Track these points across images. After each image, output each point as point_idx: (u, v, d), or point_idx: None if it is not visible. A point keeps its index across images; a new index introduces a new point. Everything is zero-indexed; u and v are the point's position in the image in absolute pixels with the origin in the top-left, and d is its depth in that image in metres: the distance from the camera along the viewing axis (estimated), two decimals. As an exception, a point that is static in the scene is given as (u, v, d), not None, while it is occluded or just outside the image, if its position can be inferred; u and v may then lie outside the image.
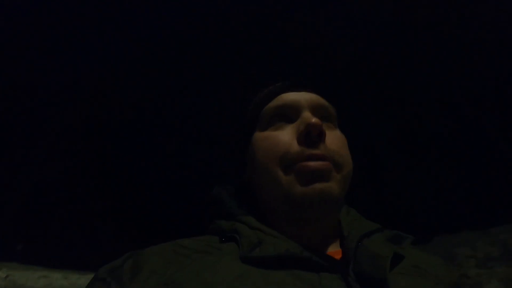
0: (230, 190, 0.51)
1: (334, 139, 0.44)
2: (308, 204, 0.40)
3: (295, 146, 0.41)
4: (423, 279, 0.39)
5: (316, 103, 0.47)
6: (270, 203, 0.45)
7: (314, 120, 0.41)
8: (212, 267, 0.34)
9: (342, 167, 0.42)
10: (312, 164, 0.39)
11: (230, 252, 0.38)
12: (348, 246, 0.40)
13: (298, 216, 0.42)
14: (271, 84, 0.53)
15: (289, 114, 0.46)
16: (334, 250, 0.42)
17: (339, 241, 0.45)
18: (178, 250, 0.38)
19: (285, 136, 0.43)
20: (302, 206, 0.40)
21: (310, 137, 0.41)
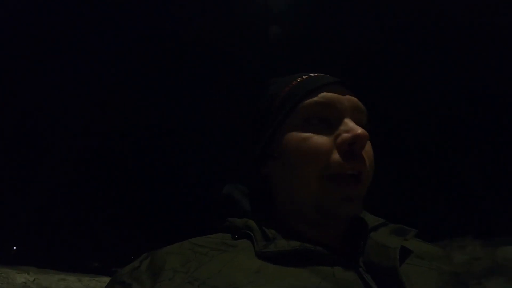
0: (241, 188, 0.51)
1: (367, 147, 0.43)
2: (336, 217, 0.40)
3: (336, 157, 0.40)
4: (428, 270, 0.40)
5: (358, 108, 0.45)
6: (292, 205, 0.44)
7: (361, 131, 0.39)
8: (231, 264, 0.35)
9: (368, 179, 0.43)
10: (349, 188, 0.39)
11: (245, 248, 0.38)
12: (357, 240, 0.42)
13: (321, 223, 0.42)
14: (307, 74, 0.48)
15: (330, 116, 0.43)
16: (343, 244, 0.43)
17: (345, 236, 0.45)
18: (195, 249, 0.38)
19: (326, 143, 0.41)
20: (330, 217, 0.40)
21: (353, 150, 0.40)
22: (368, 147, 0.43)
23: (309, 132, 0.42)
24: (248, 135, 0.54)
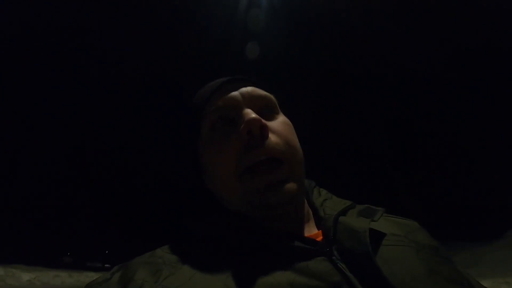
0: (199, 194, 0.49)
1: (279, 128, 0.43)
2: (271, 208, 0.39)
3: (242, 151, 0.40)
4: (405, 247, 0.39)
5: (255, 96, 0.45)
6: (231, 207, 0.43)
7: (252, 117, 0.40)
8: (202, 269, 0.34)
9: (292, 157, 0.42)
10: (265, 175, 0.39)
11: (214, 252, 0.38)
12: (326, 226, 0.40)
13: (265, 216, 0.41)
14: (203, 85, 0.50)
15: (231, 115, 0.44)
16: (313, 233, 0.42)
17: (314, 223, 0.45)
18: (165, 257, 0.38)
19: (230, 144, 0.41)
20: (265, 210, 0.40)
21: (255, 138, 0.40)
22: (278, 124, 0.43)
23: (216, 138, 0.43)
24: (181, 160, 0.55)
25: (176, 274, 0.34)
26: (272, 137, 0.41)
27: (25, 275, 6.56)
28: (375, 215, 0.43)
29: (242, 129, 0.40)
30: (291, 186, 0.40)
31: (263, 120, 0.40)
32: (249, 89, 0.46)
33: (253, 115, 0.40)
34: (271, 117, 0.45)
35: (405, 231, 0.42)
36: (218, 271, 0.34)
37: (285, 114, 0.48)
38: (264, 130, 0.40)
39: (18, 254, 11.22)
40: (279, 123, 0.44)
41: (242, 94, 0.45)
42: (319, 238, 0.40)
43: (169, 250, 0.39)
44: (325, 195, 0.50)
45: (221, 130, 0.43)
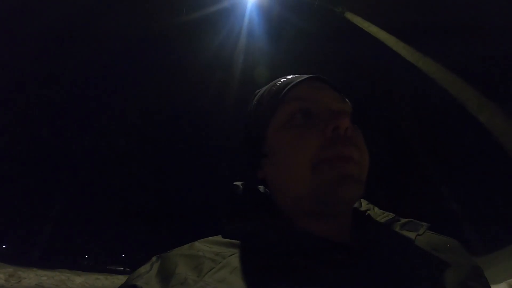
0: (245, 188, 0.50)
1: (356, 136, 0.43)
2: (338, 203, 0.40)
3: (322, 145, 0.40)
4: (444, 262, 0.39)
5: (336, 98, 0.47)
6: (292, 201, 0.43)
7: (341, 117, 0.40)
8: (238, 269, 0.34)
9: (363, 165, 0.42)
10: (343, 167, 0.39)
11: (250, 253, 0.37)
12: (368, 235, 0.42)
13: (323, 213, 0.41)
14: (284, 77, 0.51)
15: (311, 108, 0.44)
16: (350, 239, 0.42)
17: (353, 231, 0.44)
18: (204, 250, 0.38)
19: (311, 134, 0.41)
20: (333, 205, 0.40)
21: (338, 136, 0.40)
22: (356, 134, 0.44)
23: (294, 127, 0.43)
24: (242, 143, 0.55)
25: (217, 269, 0.34)
26: (352, 140, 0.42)
27: (78, 279, 7.39)
28: (419, 229, 0.43)
29: (329, 124, 0.41)
30: (359, 186, 0.40)
31: (350, 122, 0.42)
32: (331, 90, 0.48)
33: (341, 116, 0.41)
34: (349, 121, 0.44)
35: (445, 248, 0.43)
36: (257, 270, 0.34)
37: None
38: (349, 131, 0.41)
39: (39, 258, 11.99)
40: (357, 132, 0.45)
41: (326, 93, 0.47)
42: (356, 246, 0.40)
43: (208, 244, 0.40)
44: (366, 206, 0.51)
45: (301, 120, 0.44)
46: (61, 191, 13.54)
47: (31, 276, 6.78)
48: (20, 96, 12.02)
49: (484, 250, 6.54)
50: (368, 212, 0.48)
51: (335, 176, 0.39)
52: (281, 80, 0.51)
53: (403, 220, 0.46)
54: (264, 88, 0.53)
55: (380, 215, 0.47)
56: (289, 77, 0.51)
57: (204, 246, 0.39)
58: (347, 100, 0.49)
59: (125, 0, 11.94)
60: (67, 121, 13.90)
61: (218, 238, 0.43)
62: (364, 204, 0.52)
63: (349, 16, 6.10)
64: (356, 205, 0.51)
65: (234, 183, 0.51)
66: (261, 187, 0.52)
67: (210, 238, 0.42)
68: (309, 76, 0.49)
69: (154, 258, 0.38)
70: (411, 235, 0.41)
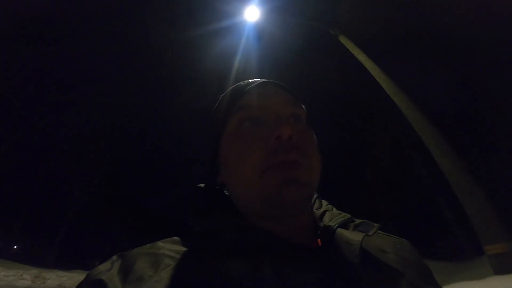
0: (207, 190, 0.51)
1: (304, 138, 0.44)
2: (284, 205, 0.40)
3: (268, 151, 0.41)
4: (391, 262, 0.42)
5: (287, 102, 0.47)
6: (245, 204, 0.45)
7: (284, 125, 0.41)
8: (199, 265, 0.35)
9: (312, 168, 0.43)
10: (287, 172, 0.40)
11: (212, 250, 0.38)
12: (324, 236, 0.43)
13: (275, 215, 0.42)
14: (236, 83, 0.52)
15: (260, 114, 0.45)
16: (310, 240, 0.44)
17: (313, 231, 0.46)
18: (165, 248, 0.39)
19: (257, 144, 0.42)
20: (279, 207, 0.40)
21: (282, 144, 0.41)
22: (304, 138, 0.44)
23: (242, 135, 0.45)
24: (204, 150, 0.56)
25: (174, 265, 0.35)
26: (298, 146, 0.42)
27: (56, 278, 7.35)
28: (370, 230, 0.44)
29: (272, 132, 0.42)
30: (305, 189, 0.42)
31: (293, 129, 0.42)
32: (282, 94, 0.48)
33: (285, 122, 0.43)
34: (298, 126, 0.46)
35: (395, 248, 0.45)
36: (214, 267, 0.34)
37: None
38: (294, 138, 0.42)
39: (55, 259, 12.54)
40: (305, 133, 0.46)
41: (275, 98, 0.47)
42: (315, 246, 0.42)
43: (169, 243, 0.40)
44: (325, 207, 0.52)
45: (249, 128, 0.45)
46: (71, 198, 14.06)
47: (53, 277, 7.33)
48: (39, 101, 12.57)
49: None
50: (327, 212, 0.50)
51: (280, 180, 0.40)
52: (237, 86, 0.52)
53: (357, 221, 0.48)
54: (223, 95, 0.54)
55: (337, 215, 0.48)
56: (244, 82, 0.52)
57: (165, 245, 0.39)
58: (300, 104, 0.50)
59: (125, 16, 12.52)
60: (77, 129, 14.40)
61: (182, 236, 0.43)
62: (324, 205, 0.53)
63: (342, 39, 6.30)
64: (317, 205, 0.52)
65: (198, 185, 0.52)
66: (219, 191, 0.52)
67: (174, 238, 0.42)
68: (261, 81, 0.50)
69: (115, 257, 0.39)
70: (359, 236, 0.42)
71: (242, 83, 0.52)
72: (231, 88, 0.53)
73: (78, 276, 8.21)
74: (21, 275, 6.70)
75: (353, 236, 0.41)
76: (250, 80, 0.52)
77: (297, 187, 0.40)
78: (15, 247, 13.84)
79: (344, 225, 0.46)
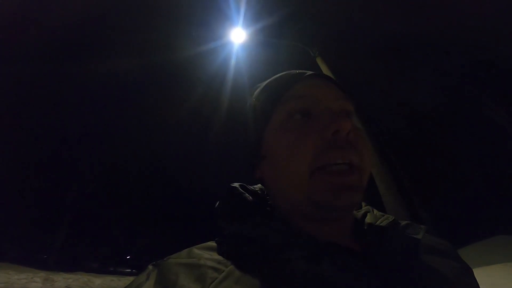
0: (243, 190, 0.48)
1: (358, 139, 0.41)
2: (334, 211, 0.39)
3: (322, 149, 0.39)
4: (441, 263, 0.41)
5: (339, 96, 0.45)
6: (290, 204, 0.42)
7: (342, 119, 0.39)
8: (245, 275, 0.33)
9: (365, 170, 0.41)
10: (340, 176, 0.38)
11: (253, 260, 0.36)
12: (368, 239, 0.41)
13: (319, 218, 0.40)
14: (285, 72, 0.49)
15: (311, 107, 0.43)
16: (352, 243, 0.41)
17: (354, 234, 0.44)
18: (204, 257, 0.36)
19: (311, 136, 0.40)
20: (329, 212, 0.39)
21: (338, 139, 0.39)
22: (359, 136, 0.42)
23: (292, 127, 0.41)
24: (241, 143, 0.53)
25: (220, 279, 0.33)
26: (353, 144, 0.40)
27: (97, 280, 8.18)
28: (419, 232, 0.43)
29: (328, 126, 0.39)
30: (358, 194, 0.39)
31: (353, 125, 0.40)
32: (334, 88, 0.46)
33: (343, 117, 0.39)
34: (352, 122, 0.42)
35: (440, 251, 0.44)
36: (262, 278, 0.32)
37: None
38: (351, 136, 0.40)
39: (54, 262, 12.99)
40: (360, 131, 0.43)
41: (327, 91, 0.44)
42: (357, 249, 0.39)
43: (206, 250, 0.38)
44: (365, 208, 0.50)
45: (300, 120, 0.42)
46: (70, 202, 14.41)
47: (59, 279, 7.81)
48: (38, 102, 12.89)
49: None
50: (368, 214, 0.48)
51: (332, 185, 0.38)
52: (281, 76, 0.49)
53: (403, 222, 0.46)
54: (263, 84, 0.52)
55: (379, 217, 0.46)
56: (289, 73, 0.49)
57: (203, 253, 0.37)
58: (350, 99, 0.47)
59: (119, 39, 13.06)
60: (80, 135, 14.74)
61: (217, 244, 0.40)
62: (363, 206, 0.51)
63: (319, 61, 6.39)
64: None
65: (232, 184, 0.48)
66: (257, 187, 0.50)
67: (208, 243, 0.40)
68: (309, 73, 0.47)
69: (150, 267, 0.37)
70: (414, 239, 0.41)
71: (289, 72, 0.49)
72: (275, 77, 0.50)
73: (83, 278, 8.50)
74: (32, 277, 7.20)
75: (407, 240, 0.41)
76: (297, 71, 0.49)
77: (350, 193, 0.38)
78: (20, 251, 14.16)
79: (392, 227, 0.43)
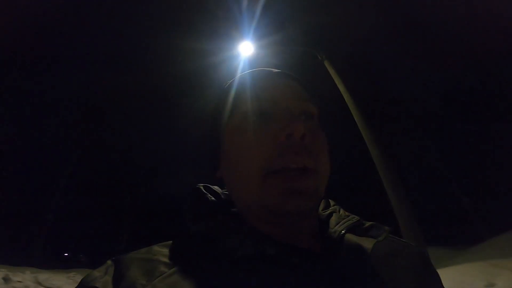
0: (207, 190, 0.49)
1: (315, 139, 0.41)
2: (285, 215, 0.38)
3: (276, 152, 0.38)
4: (402, 269, 0.41)
5: (298, 96, 0.44)
6: (244, 205, 0.43)
7: (296, 122, 0.38)
8: (194, 273, 0.34)
9: (321, 175, 0.41)
10: (292, 181, 0.37)
11: (209, 255, 0.37)
12: (330, 240, 0.41)
13: (272, 221, 0.40)
14: (248, 71, 0.48)
15: (268, 109, 0.42)
16: (313, 244, 0.41)
17: (317, 234, 0.44)
18: (161, 254, 0.37)
19: (264, 141, 0.39)
20: (275, 215, 0.39)
21: (293, 143, 0.38)
22: (316, 140, 0.41)
23: (248, 129, 0.41)
24: (203, 141, 0.53)
25: (168, 273, 0.33)
26: (308, 148, 0.39)
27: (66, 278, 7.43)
28: (380, 234, 0.42)
29: (282, 129, 0.38)
30: (310, 200, 0.39)
31: (307, 128, 0.39)
32: (294, 87, 0.44)
33: (297, 121, 0.38)
34: (311, 125, 0.42)
35: (405, 253, 0.44)
36: (211, 275, 0.33)
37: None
38: (304, 139, 0.39)
39: (46, 258, 12.24)
40: (318, 134, 0.42)
41: (286, 91, 0.43)
42: (317, 250, 0.40)
43: (166, 247, 0.39)
44: (332, 208, 0.50)
45: (256, 122, 0.41)
46: (56, 195, 14.13)
47: (60, 278, 7.40)
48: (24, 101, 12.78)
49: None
50: (333, 214, 0.47)
51: (282, 189, 0.37)
52: (244, 74, 0.48)
53: (367, 223, 0.46)
54: (228, 83, 0.51)
55: (344, 217, 0.46)
56: (252, 71, 0.48)
57: (162, 250, 0.38)
58: (314, 100, 0.46)
59: (121, 51, 13.17)
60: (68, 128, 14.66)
61: (179, 240, 0.41)
62: (332, 205, 0.51)
63: (327, 65, 6.30)
64: (323, 205, 0.51)
65: (197, 185, 0.49)
66: (217, 188, 0.50)
67: (170, 241, 0.41)
68: (271, 70, 0.46)
69: (109, 262, 0.37)
70: (369, 243, 0.40)
71: (250, 71, 0.48)
72: (239, 75, 0.49)
73: (79, 276, 8.11)
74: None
75: (363, 243, 0.40)
76: (259, 69, 0.48)
77: (301, 198, 0.38)
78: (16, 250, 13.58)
79: (353, 229, 0.44)
